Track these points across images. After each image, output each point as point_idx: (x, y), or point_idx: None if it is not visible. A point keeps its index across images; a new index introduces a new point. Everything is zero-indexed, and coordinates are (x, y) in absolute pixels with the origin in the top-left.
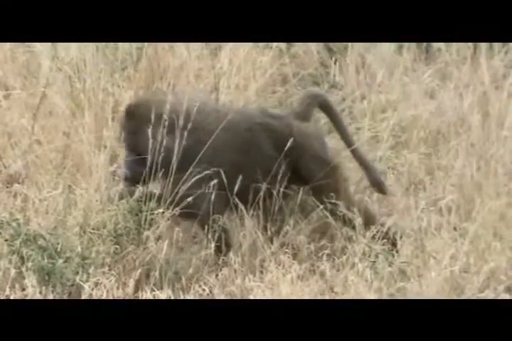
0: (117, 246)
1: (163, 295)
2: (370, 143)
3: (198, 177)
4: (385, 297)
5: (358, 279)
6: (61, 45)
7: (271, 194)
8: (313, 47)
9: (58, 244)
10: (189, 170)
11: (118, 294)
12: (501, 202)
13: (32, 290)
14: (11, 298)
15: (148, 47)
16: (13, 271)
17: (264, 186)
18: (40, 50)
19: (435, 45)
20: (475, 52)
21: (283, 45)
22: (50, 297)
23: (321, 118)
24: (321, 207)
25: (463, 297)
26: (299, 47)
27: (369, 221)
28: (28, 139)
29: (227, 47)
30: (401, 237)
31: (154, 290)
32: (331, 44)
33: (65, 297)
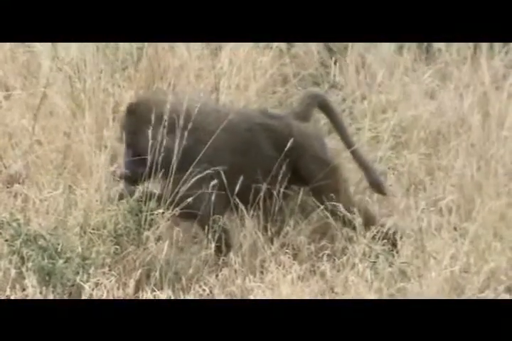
0: (117, 247)
1: (163, 295)
2: (370, 143)
3: (198, 177)
4: (385, 297)
5: (358, 279)
6: (61, 45)
7: (271, 194)
8: (314, 47)
9: (59, 244)
10: (189, 171)
11: (118, 294)
12: (501, 202)
13: (32, 290)
14: (12, 298)
15: (149, 48)
16: (13, 271)
17: (264, 186)
18: (40, 50)
19: (435, 45)
20: (475, 53)
21: (283, 45)
22: (51, 297)
23: (321, 119)
24: (322, 207)
25: (463, 297)
26: (299, 47)
27: (369, 221)
28: (29, 139)
29: (228, 47)
30: (401, 237)
31: (155, 291)
32: (331, 44)
33: (65, 297)
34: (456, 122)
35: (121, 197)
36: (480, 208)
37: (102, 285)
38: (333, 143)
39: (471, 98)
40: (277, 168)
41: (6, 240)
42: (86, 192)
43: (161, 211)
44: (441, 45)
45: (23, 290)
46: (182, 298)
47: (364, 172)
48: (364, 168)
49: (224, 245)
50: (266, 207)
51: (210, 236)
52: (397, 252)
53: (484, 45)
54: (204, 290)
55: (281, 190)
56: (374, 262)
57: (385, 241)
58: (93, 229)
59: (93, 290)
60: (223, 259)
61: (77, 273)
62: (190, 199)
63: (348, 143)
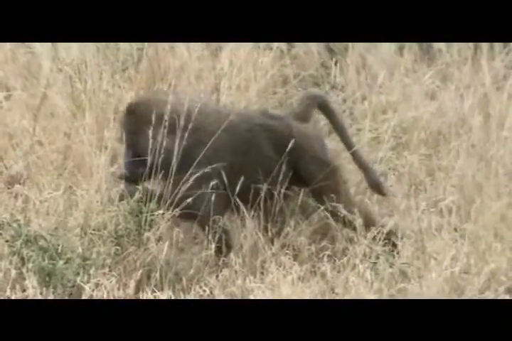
0: (118, 247)
1: (163, 296)
2: (370, 144)
3: (198, 177)
4: (385, 298)
5: (358, 280)
6: (62, 46)
7: (272, 195)
8: (314, 48)
9: (59, 245)
10: (189, 171)
11: (119, 295)
12: (502, 203)
13: (33, 291)
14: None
15: (149, 48)
16: (13, 272)
17: (264, 187)
18: (40, 50)
19: (436, 46)
20: (476, 53)
21: (284, 46)
22: (51, 298)
23: (321, 120)
24: (322, 208)
25: (463, 298)
26: (299, 48)
27: (369, 222)
28: (29, 140)
29: (228, 48)
30: (402, 238)
31: (155, 291)
32: (331, 45)
33: (65, 298)
34: (457, 123)
35: (121, 197)
36: (480, 209)
37: (102, 286)
38: (333, 144)
39: (471, 99)
40: (278, 169)
41: (7, 241)
42: (86, 193)
43: (161, 212)
44: (442, 45)
45: (24, 291)
46: (182, 298)
47: (363, 173)
48: (363, 168)
49: (224, 246)
50: (266, 207)
51: (210, 236)
52: (397, 253)
53: (485, 46)
54: (204, 290)
55: (282, 190)
56: (374, 263)
57: (386, 241)
58: (93, 230)
59: (93, 290)
60: (224, 260)
61: (78, 273)
62: (190, 200)
63: (347, 144)
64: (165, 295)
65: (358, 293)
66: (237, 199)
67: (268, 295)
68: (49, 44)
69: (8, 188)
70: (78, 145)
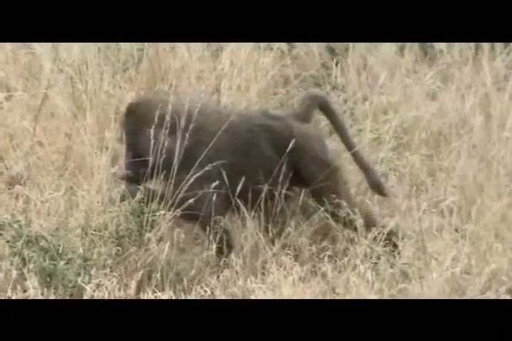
0: (119, 248)
1: (164, 296)
2: (371, 144)
3: (199, 178)
4: (386, 298)
5: (359, 280)
6: (62, 47)
7: (272, 195)
8: (315, 48)
9: (60, 245)
10: (190, 172)
11: (120, 295)
12: (503, 203)
13: (33, 291)
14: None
15: (150, 49)
16: (14, 273)
17: (265, 187)
18: (41, 51)
19: (437, 46)
20: (477, 54)
21: (284, 46)
22: (52, 298)
23: (322, 120)
24: (323, 208)
25: (464, 298)
26: (300, 48)
27: (370, 223)
28: (30, 141)
29: (229, 48)
30: (402, 239)
31: (156, 292)
32: (332, 45)
33: (66, 298)
34: (458, 123)
35: (122, 198)
36: (481, 209)
37: (103, 287)
38: (333, 144)
39: (472, 99)
40: (278, 169)
41: (8, 241)
42: (87, 194)
43: (162, 212)
44: (443, 46)
45: (25, 291)
46: (183, 299)
47: (364, 174)
48: (364, 169)
49: (225, 246)
50: (267, 208)
51: (211, 237)
52: (398, 253)
53: (486, 47)
54: (205, 291)
55: (283, 191)
56: (375, 263)
57: (387, 242)
58: (94, 231)
59: (94, 291)
60: (224, 260)
61: (79, 274)
62: (191, 201)
63: (348, 145)
64: (166, 295)
65: (359, 294)
66: (238, 200)
67: (269, 296)
68: (50, 45)
69: (9, 189)
70: (79, 146)
